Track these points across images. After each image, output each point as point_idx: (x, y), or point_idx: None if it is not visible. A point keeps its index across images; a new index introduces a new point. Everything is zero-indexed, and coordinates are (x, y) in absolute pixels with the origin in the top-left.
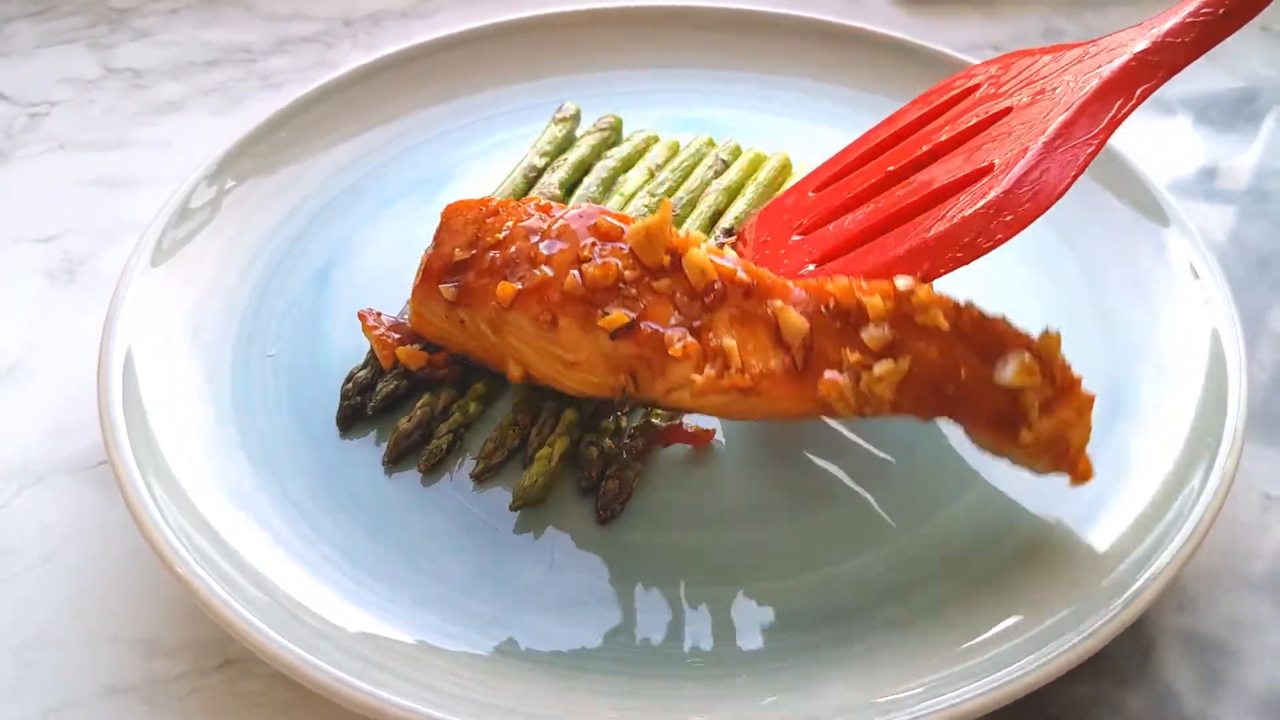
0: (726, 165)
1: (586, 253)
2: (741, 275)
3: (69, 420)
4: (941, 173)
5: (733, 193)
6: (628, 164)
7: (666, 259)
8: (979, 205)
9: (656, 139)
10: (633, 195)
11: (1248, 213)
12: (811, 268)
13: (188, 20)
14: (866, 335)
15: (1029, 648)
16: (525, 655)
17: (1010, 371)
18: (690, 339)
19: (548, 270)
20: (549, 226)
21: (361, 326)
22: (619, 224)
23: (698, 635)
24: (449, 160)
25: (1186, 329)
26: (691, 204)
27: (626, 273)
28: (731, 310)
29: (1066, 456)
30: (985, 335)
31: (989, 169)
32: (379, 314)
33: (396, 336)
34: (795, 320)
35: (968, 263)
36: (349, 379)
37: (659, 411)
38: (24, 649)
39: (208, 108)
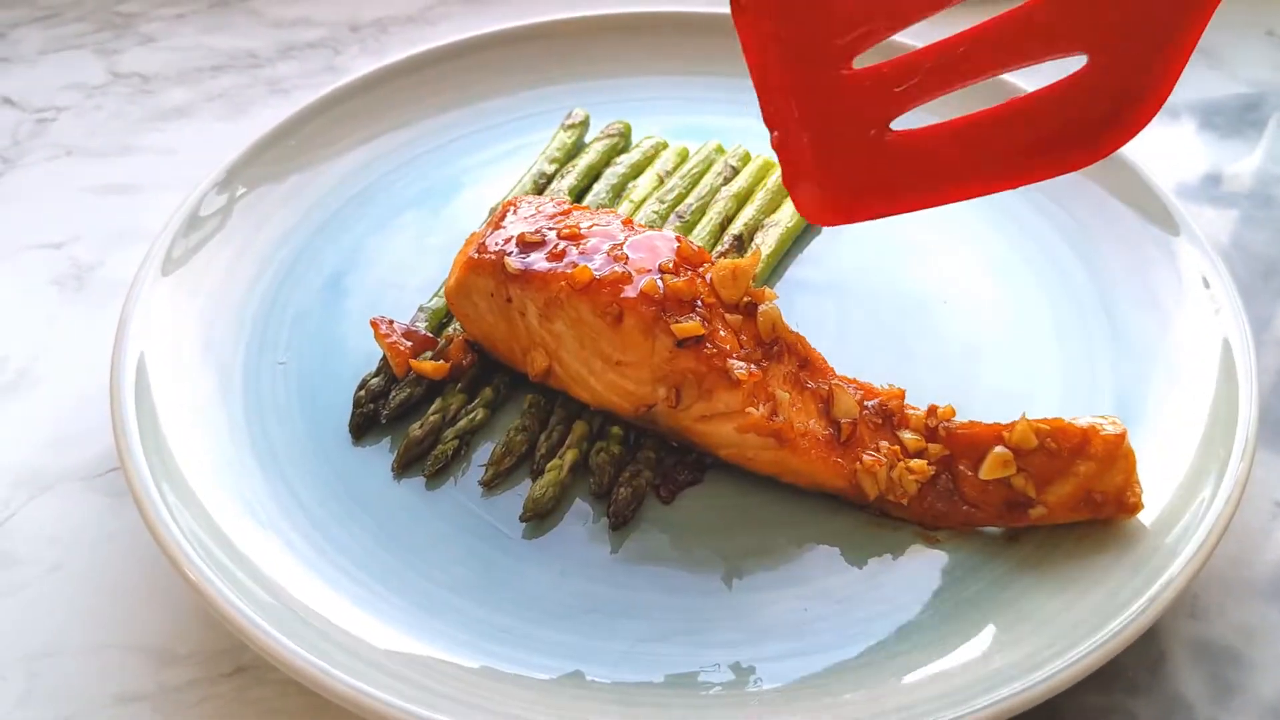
0: (736, 171)
1: (670, 266)
2: (802, 348)
3: (77, 428)
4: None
5: (742, 199)
6: (637, 170)
7: (744, 301)
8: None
9: (665, 145)
10: (643, 201)
11: (1252, 219)
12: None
13: (194, 26)
14: (905, 436)
15: (1041, 658)
16: (536, 664)
17: (984, 469)
18: (755, 369)
19: (628, 269)
20: (630, 236)
21: (374, 334)
22: (701, 254)
23: (712, 645)
24: (458, 167)
25: (1197, 338)
26: (701, 210)
27: (703, 296)
28: (787, 370)
29: (1112, 502)
30: (968, 443)
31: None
32: (391, 321)
33: (409, 344)
34: (849, 400)
35: None
36: (362, 386)
37: None
38: (34, 659)
39: (214, 114)
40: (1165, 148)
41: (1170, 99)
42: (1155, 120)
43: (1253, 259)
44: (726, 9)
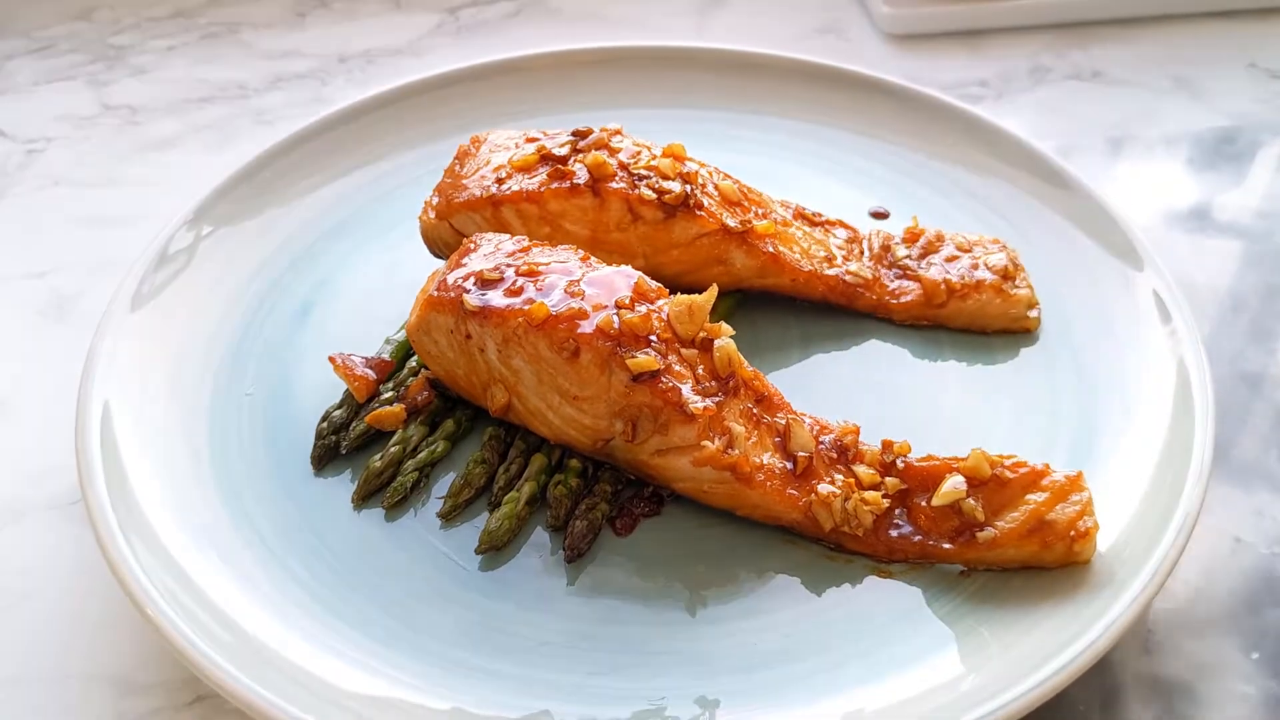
0: None
1: (626, 302)
2: (759, 384)
3: (50, 459)
4: None
5: None
6: None
7: (700, 336)
8: None
9: None
10: None
11: (1225, 253)
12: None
13: (185, 57)
14: (860, 470)
15: (988, 692)
16: (491, 698)
17: (937, 495)
18: (710, 404)
19: (585, 305)
20: (588, 273)
21: (334, 369)
22: (658, 291)
23: (667, 675)
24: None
25: (1155, 371)
26: None
27: (659, 332)
28: (743, 405)
29: (1063, 539)
30: (923, 476)
31: None
32: (349, 355)
33: (372, 375)
34: (805, 435)
35: None
36: (324, 418)
37: None
38: None
39: (201, 144)
40: (1137, 180)
41: (1146, 130)
42: (1130, 152)
43: (1223, 295)
44: (708, 43)
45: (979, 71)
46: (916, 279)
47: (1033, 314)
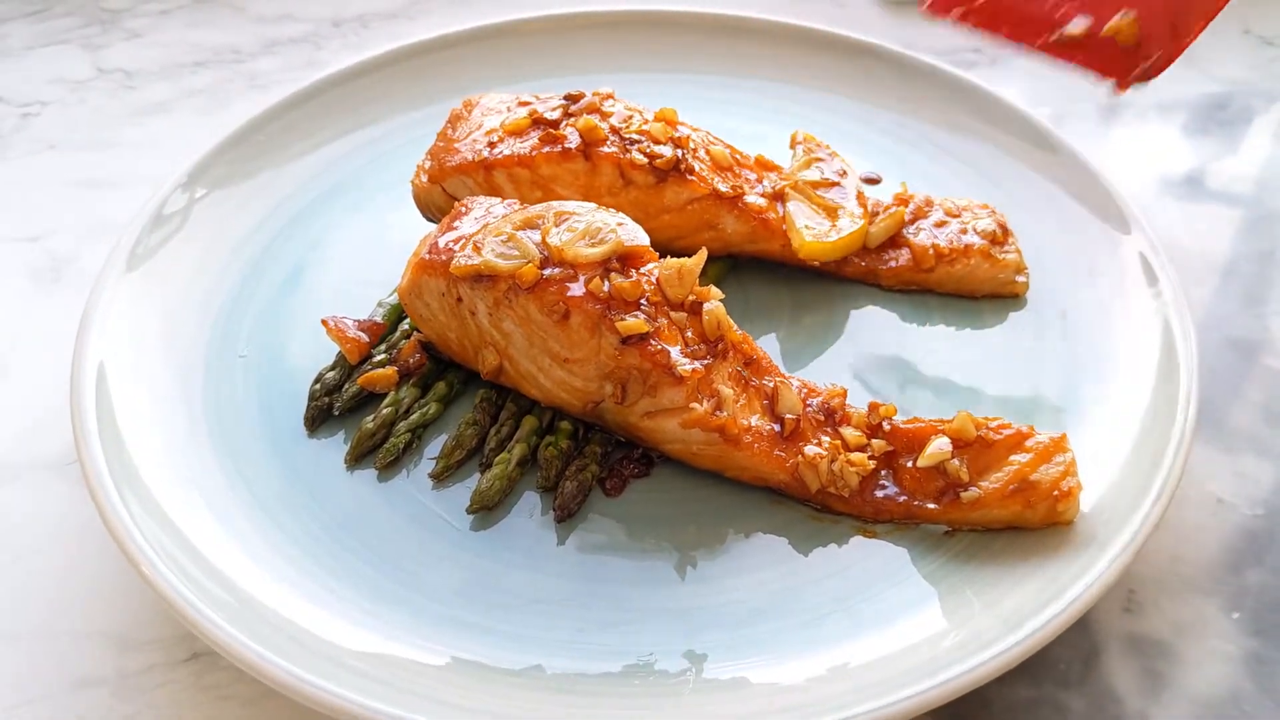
0: None
1: (616, 265)
2: (748, 348)
3: (46, 419)
4: None
5: None
6: None
7: (689, 299)
8: None
9: None
10: None
11: (1217, 219)
12: None
13: (179, 21)
14: (846, 432)
15: (970, 648)
16: (482, 653)
17: (923, 456)
18: (699, 366)
19: (575, 271)
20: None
21: (327, 333)
22: (648, 253)
23: (655, 631)
24: None
25: (1140, 333)
26: None
27: (649, 295)
28: (732, 369)
29: (1046, 499)
30: (908, 438)
31: None
32: (341, 318)
33: (365, 338)
34: (793, 397)
35: None
36: (317, 379)
37: None
38: None
39: (195, 108)
40: (1130, 146)
41: (1140, 96)
42: (1123, 117)
43: (1211, 259)
44: (702, 7)
45: (973, 37)
46: (905, 244)
47: (1020, 279)
